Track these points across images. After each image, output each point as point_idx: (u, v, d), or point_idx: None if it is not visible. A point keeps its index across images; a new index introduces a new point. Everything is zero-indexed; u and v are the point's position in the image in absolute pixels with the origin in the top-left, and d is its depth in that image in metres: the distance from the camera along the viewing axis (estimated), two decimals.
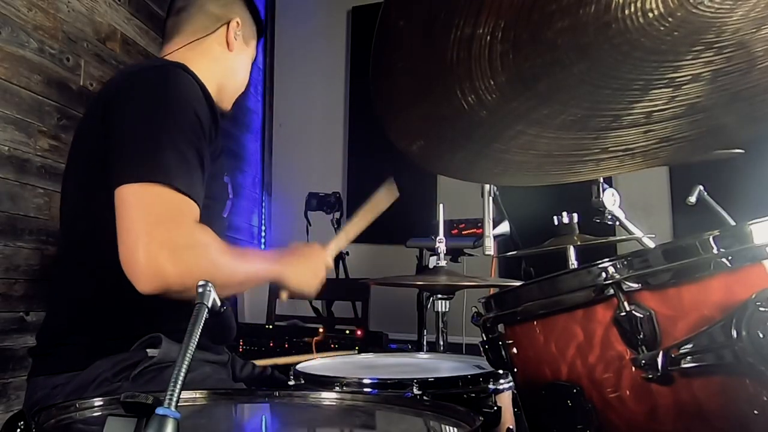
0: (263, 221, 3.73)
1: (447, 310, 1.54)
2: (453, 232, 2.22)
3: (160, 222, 1.02)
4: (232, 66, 1.42)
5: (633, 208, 1.74)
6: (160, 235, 1.01)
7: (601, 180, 1.54)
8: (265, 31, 1.57)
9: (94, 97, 1.30)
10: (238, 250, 1.18)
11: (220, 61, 1.39)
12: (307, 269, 1.29)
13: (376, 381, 0.99)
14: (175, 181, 1.04)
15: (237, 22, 1.40)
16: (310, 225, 2.95)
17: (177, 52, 1.35)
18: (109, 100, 1.15)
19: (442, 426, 0.72)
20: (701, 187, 1.74)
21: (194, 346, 0.53)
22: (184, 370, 0.50)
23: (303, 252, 1.32)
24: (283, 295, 1.29)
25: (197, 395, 0.82)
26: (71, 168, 1.25)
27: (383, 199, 1.52)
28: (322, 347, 2.13)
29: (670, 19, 0.82)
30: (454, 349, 1.56)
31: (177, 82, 1.14)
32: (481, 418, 0.66)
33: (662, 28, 0.83)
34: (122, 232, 1.03)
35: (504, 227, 2.05)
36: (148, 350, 1.10)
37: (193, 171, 1.08)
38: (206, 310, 0.56)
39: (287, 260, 1.26)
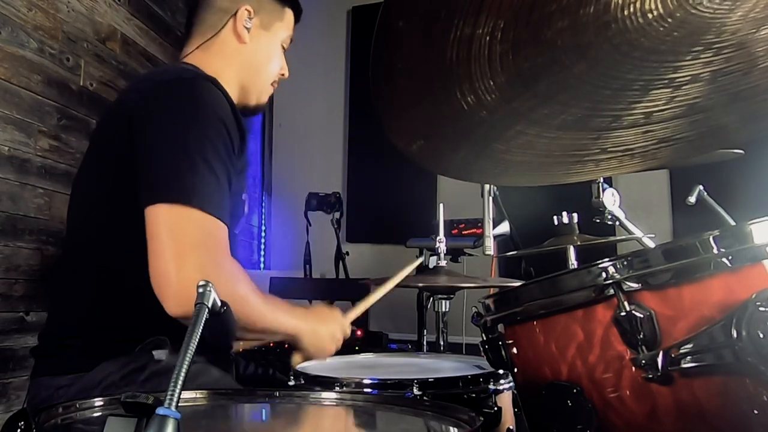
0: (263, 221, 3.74)
1: (447, 310, 1.54)
2: (453, 232, 2.22)
3: (192, 247, 1.02)
4: (251, 58, 1.35)
5: (633, 208, 1.74)
6: (192, 260, 1.01)
7: (601, 180, 1.54)
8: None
9: (116, 103, 1.28)
10: (266, 296, 1.17)
11: (237, 57, 1.34)
12: (325, 333, 1.24)
13: (376, 381, 0.99)
14: (207, 205, 1.03)
15: (248, 10, 1.33)
16: (310, 225, 2.95)
17: (192, 54, 1.33)
18: (136, 110, 1.13)
19: (442, 426, 0.72)
20: (701, 187, 1.75)
21: (194, 347, 0.53)
22: (184, 370, 0.50)
23: (323, 315, 1.28)
24: (297, 358, 1.22)
25: (197, 395, 0.82)
26: (86, 171, 1.24)
27: (409, 271, 1.46)
28: None
29: (669, 20, 0.82)
30: (454, 349, 1.56)
31: (208, 97, 1.12)
32: (481, 418, 0.66)
33: (662, 29, 0.83)
34: (154, 254, 1.02)
35: (504, 227, 2.05)
36: (154, 352, 1.09)
37: (223, 191, 1.08)
38: (206, 310, 0.56)
39: (307, 320, 1.22)
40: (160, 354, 1.09)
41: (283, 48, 1.42)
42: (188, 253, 1.01)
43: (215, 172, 1.06)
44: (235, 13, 1.33)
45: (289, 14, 1.42)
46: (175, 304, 1.00)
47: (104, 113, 1.28)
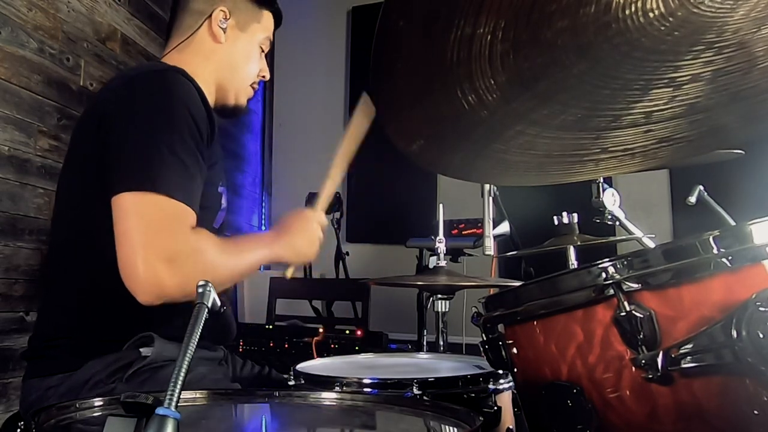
0: (263, 221, 3.74)
1: (447, 310, 1.54)
2: (453, 232, 2.22)
3: (157, 231, 1.02)
4: (228, 59, 1.36)
5: (633, 208, 1.74)
6: (158, 245, 1.01)
7: (601, 180, 1.54)
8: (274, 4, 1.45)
9: (91, 101, 1.30)
10: (233, 244, 1.18)
11: (213, 57, 1.35)
12: (302, 239, 1.27)
13: (376, 381, 0.99)
14: (172, 190, 1.04)
15: (223, 11, 1.34)
16: None
17: (169, 54, 1.35)
18: (106, 105, 1.15)
19: (442, 426, 0.72)
20: (701, 187, 1.74)
21: (194, 347, 0.53)
22: (184, 371, 0.50)
23: (294, 222, 1.30)
24: (288, 272, 1.28)
25: (197, 395, 0.82)
26: (66, 171, 1.25)
27: (361, 120, 1.38)
28: (322, 347, 2.13)
29: (670, 19, 0.82)
30: (454, 349, 1.56)
31: (174, 87, 1.13)
32: (481, 418, 0.66)
33: (662, 28, 0.83)
34: (120, 241, 1.02)
35: (504, 227, 2.05)
36: (141, 350, 1.10)
37: (190, 178, 1.08)
38: (206, 310, 0.56)
39: (281, 238, 1.25)
40: (147, 351, 1.09)
41: (262, 50, 1.43)
42: (152, 239, 1.01)
43: (182, 160, 1.07)
44: (211, 15, 1.34)
45: (267, 16, 1.42)
46: (143, 291, 1.00)
47: (82, 114, 1.30)
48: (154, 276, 1.00)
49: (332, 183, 1.41)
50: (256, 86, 1.44)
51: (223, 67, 1.36)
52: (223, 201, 1.30)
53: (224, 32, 1.35)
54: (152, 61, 2.57)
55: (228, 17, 1.35)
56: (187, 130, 1.10)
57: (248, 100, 1.45)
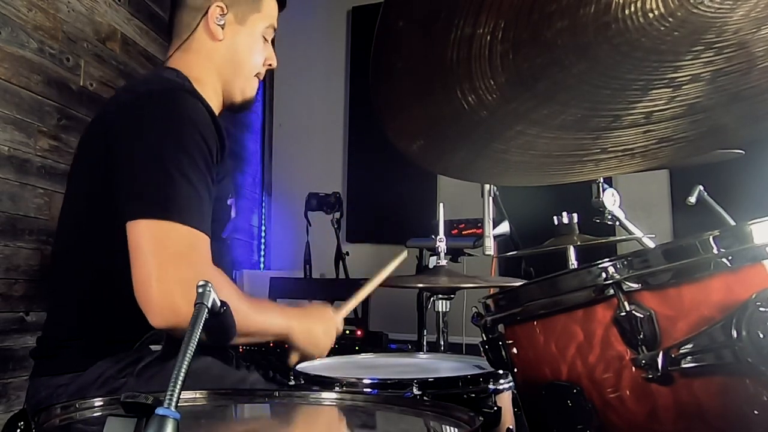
0: (263, 221, 3.74)
1: (447, 310, 1.54)
2: (453, 232, 2.22)
3: (173, 259, 1.03)
4: (229, 56, 1.33)
5: (633, 208, 1.74)
6: (174, 272, 1.02)
7: (601, 180, 1.54)
8: None
9: (98, 114, 1.29)
10: (252, 299, 1.18)
11: (214, 55, 1.32)
12: (318, 330, 1.25)
13: (376, 381, 0.98)
14: (186, 218, 1.04)
15: (219, 6, 1.30)
16: (310, 225, 2.95)
17: (173, 57, 1.34)
18: (114, 121, 1.15)
19: (442, 426, 0.72)
20: (701, 187, 1.74)
21: (194, 347, 0.53)
22: (184, 371, 0.50)
23: (315, 313, 1.29)
24: (293, 357, 1.23)
25: (197, 395, 0.82)
26: (73, 176, 1.26)
27: (395, 264, 1.47)
28: None
29: (670, 19, 0.82)
30: (454, 349, 1.56)
31: (184, 108, 1.13)
32: (481, 418, 0.66)
33: (662, 28, 0.83)
34: (136, 267, 1.03)
35: (504, 227, 2.05)
36: (151, 346, 1.11)
37: (202, 203, 1.09)
38: (206, 310, 0.56)
39: (299, 319, 1.23)
40: (156, 347, 1.10)
41: (265, 39, 1.38)
42: (169, 267, 1.02)
43: (193, 183, 1.07)
44: (207, 11, 1.31)
45: (267, 4, 1.38)
46: (158, 318, 1.02)
47: (90, 121, 1.29)
48: (170, 302, 1.01)
49: (356, 301, 1.41)
50: (261, 76, 1.40)
51: (226, 65, 1.33)
52: (233, 212, 1.30)
53: (222, 29, 1.31)
54: (154, 62, 2.57)
55: (225, 12, 1.31)
56: (198, 152, 1.10)
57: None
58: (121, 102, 1.20)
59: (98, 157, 1.15)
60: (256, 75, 1.39)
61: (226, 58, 1.33)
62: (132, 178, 1.08)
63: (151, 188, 1.07)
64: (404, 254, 1.49)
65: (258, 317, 1.16)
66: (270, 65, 1.41)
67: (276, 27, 1.42)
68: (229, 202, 1.28)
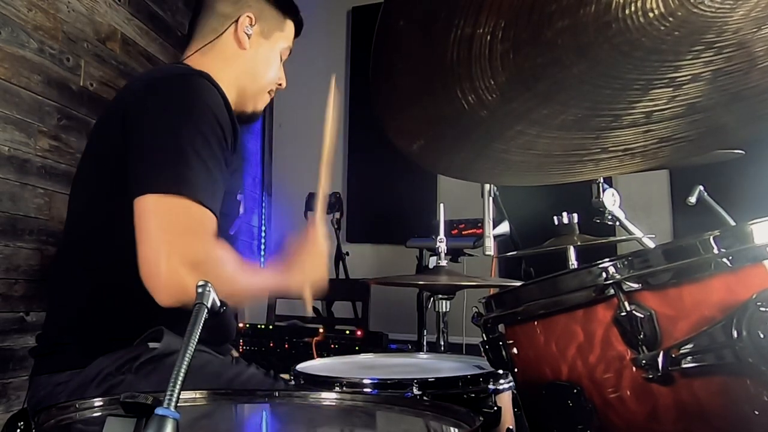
0: (263, 221, 3.73)
1: (447, 310, 1.54)
2: (453, 232, 2.22)
3: (181, 235, 1.02)
4: (250, 64, 1.37)
5: (633, 208, 1.74)
6: (182, 248, 1.01)
7: (601, 180, 1.54)
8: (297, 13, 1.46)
9: (112, 102, 1.29)
10: (252, 266, 1.20)
11: (236, 62, 1.35)
12: (310, 263, 1.26)
13: (376, 381, 0.98)
14: (197, 194, 1.04)
15: (249, 17, 1.34)
16: None
17: (192, 57, 1.35)
18: (129, 107, 1.14)
19: (442, 426, 0.72)
20: (701, 187, 1.74)
21: (194, 347, 0.53)
22: (183, 371, 0.50)
23: (298, 246, 1.28)
24: (308, 305, 1.25)
25: (197, 395, 0.82)
26: (83, 170, 1.25)
27: (334, 109, 1.41)
28: (322, 347, 2.13)
29: (670, 19, 0.82)
30: (454, 349, 1.56)
31: (199, 91, 1.13)
32: (481, 418, 0.66)
33: (662, 28, 0.83)
34: (142, 243, 1.02)
35: (504, 227, 2.05)
36: (150, 344, 1.10)
37: (214, 182, 1.08)
38: (206, 310, 0.56)
39: (291, 265, 1.24)
40: (155, 345, 1.10)
41: (281, 58, 1.44)
42: (176, 242, 1.01)
43: (206, 163, 1.07)
44: (237, 20, 1.34)
45: (289, 25, 1.43)
46: (165, 293, 1.00)
47: (102, 112, 1.29)
48: (177, 278, 0.99)
49: (324, 184, 1.39)
50: (272, 93, 1.45)
51: (245, 74, 1.37)
52: (241, 209, 1.30)
53: (249, 38, 1.35)
54: (154, 62, 2.57)
55: (254, 23, 1.36)
56: (212, 132, 1.10)
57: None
58: (138, 86, 1.20)
59: (110, 145, 1.14)
60: (269, 91, 1.43)
61: (247, 66, 1.37)
62: (144, 157, 1.08)
63: (161, 165, 1.05)
64: (332, 81, 1.41)
65: (258, 282, 1.20)
66: (280, 85, 1.46)
67: (291, 49, 1.46)
68: (238, 197, 1.28)
